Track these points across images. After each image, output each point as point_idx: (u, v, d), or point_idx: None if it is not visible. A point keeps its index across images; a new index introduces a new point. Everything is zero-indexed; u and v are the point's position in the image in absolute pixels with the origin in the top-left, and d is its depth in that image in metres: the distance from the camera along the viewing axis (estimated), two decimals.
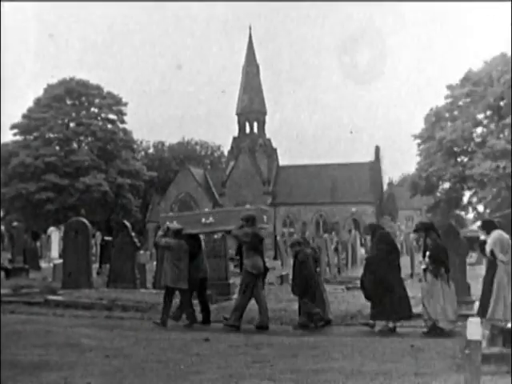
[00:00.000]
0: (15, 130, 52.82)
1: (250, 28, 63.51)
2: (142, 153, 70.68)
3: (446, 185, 46.23)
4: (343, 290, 15.58)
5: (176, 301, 11.01)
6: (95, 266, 18.26)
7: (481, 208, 44.91)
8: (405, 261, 24.92)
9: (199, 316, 11.08)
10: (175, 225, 10.99)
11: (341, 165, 58.52)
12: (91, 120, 53.10)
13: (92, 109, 54.82)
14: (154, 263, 17.23)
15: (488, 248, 9.33)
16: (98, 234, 30.89)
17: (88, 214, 43.95)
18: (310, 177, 58.42)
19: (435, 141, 44.38)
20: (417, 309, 10.33)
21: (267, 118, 63.01)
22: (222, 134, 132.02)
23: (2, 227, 30.60)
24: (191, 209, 51.06)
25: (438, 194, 47.10)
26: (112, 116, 55.00)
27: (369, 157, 59.69)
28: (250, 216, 10.62)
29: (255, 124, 62.26)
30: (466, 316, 8.31)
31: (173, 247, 10.71)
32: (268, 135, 62.78)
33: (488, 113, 43.69)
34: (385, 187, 64.75)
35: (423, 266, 10.17)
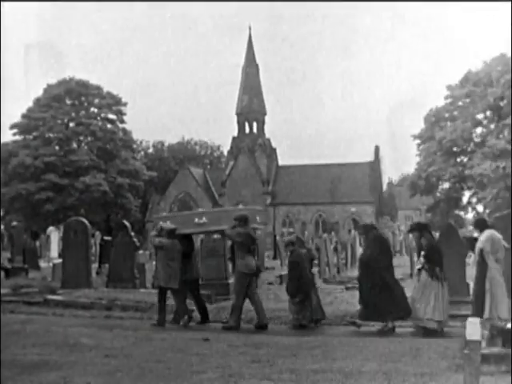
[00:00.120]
0: (15, 130, 52.86)
1: (250, 28, 63.63)
2: (142, 153, 70.72)
3: (446, 185, 46.27)
4: (342, 290, 15.59)
5: (173, 303, 11.04)
6: (95, 265, 18.25)
7: (480, 208, 44.95)
8: (404, 261, 25.01)
9: (196, 316, 11.09)
10: (169, 225, 11.02)
11: (340, 165, 58.56)
12: (91, 120, 53.12)
13: (92, 109, 54.85)
14: (154, 263, 17.23)
15: (478, 246, 9.42)
16: (98, 233, 30.89)
17: (87, 214, 43.98)
18: (310, 177, 58.44)
19: (435, 141, 44.41)
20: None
21: (267, 118, 63.11)
22: (221, 133, 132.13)
23: (2, 227, 30.62)
24: (191, 209, 51.04)
25: (438, 194, 47.14)
26: (112, 116, 55.04)
27: (368, 157, 59.79)
28: (242, 216, 10.63)
29: (255, 124, 62.30)
30: (465, 316, 8.35)
31: (166, 247, 10.74)
32: (267, 135, 62.88)
33: (488, 113, 43.72)
34: (384, 187, 64.83)
35: (418, 266, 10.21)
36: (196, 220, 11.25)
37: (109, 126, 54.60)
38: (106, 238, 22.45)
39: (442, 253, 10.33)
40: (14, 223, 27.19)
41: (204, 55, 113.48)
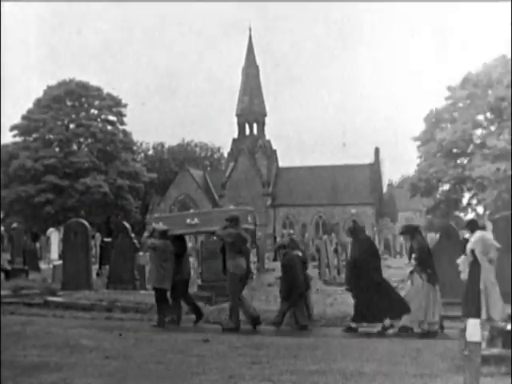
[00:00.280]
0: (15, 132, 52.88)
1: (250, 29, 63.67)
2: (142, 154, 70.77)
3: (446, 186, 46.27)
4: (343, 292, 15.57)
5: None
6: (95, 267, 18.24)
7: (480, 210, 44.95)
8: (404, 262, 25.01)
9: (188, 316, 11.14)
10: (161, 226, 11.08)
11: (340, 166, 58.58)
12: (91, 121, 53.15)
13: (92, 110, 54.87)
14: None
15: (469, 247, 9.47)
16: (98, 235, 30.88)
17: (88, 216, 44.03)
18: (310, 178, 58.45)
19: (435, 142, 44.43)
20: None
21: (267, 119, 63.14)
22: (221, 135, 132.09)
23: (2, 228, 30.60)
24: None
25: (438, 196, 47.13)
26: (112, 117, 55.07)
27: (369, 158, 59.81)
28: (233, 217, 10.66)
29: (255, 125, 62.33)
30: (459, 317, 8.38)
31: (158, 248, 10.80)
32: (268, 136, 62.90)
33: (488, 114, 43.75)
34: (384, 189, 64.82)
35: (409, 269, 10.25)
36: (188, 221, 11.31)
37: (109, 127, 54.63)
38: (106, 239, 22.43)
39: (432, 255, 10.42)
40: (14, 225, 27.16)
41: (204, 56, 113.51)
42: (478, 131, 44.54)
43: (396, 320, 10.08)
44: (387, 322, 10.04)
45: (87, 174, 51.00)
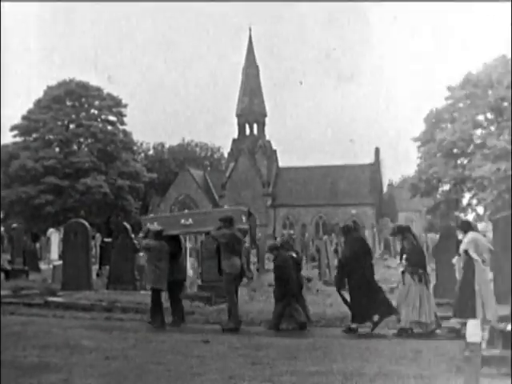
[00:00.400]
0: (15, 132, 52.88)
1: (250, 29, 63.70)
2: (142, 154, 70.75)
3: (446, 186, 46.28)
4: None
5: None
6: (95, 267, 18.24)
7: (480, 210, 44.96)
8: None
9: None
10: (155, 226, 11.11)
11: (341, 166, 58.59)
12: (91, 121, 53.13)
13: (92, 110, 54.84)
14: None
15: (462, 248, 9.50)
16: (98, 235, 30.86)
17: (88, 216, 44.01)
18: (310, 178, 58.47)
19: (435, 142, 44.44)
20: None
21: (267, 119, 63.15)
22: (221, 135, 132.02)
23: (2, 229, 30.60)
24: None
25: (438, 196, 47.14)
26: (112, 117, 55.04)
27: (369, 158, 59.81)
28: (227, 217, 10.67)
29: (255, 125, 62.34)
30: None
31: (153, 248, 10.84)
32: (268, 137, 62.91)
33: (488, 114, 43.76)
34: (384, 189, 64.80)
35: (401, 269, 10.26)
36: (182, 221, 11.33)
37: (109, 127, 54.61)
38: (106, 239, 22.44)
39: (425, 255, 10.45)
40: (14, 225, 27.17)
41: (204, 56, 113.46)
42: (478, 131, 44.55)
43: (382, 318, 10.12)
44: (375, 317, 10.07)
45: (87, 174, 50.99)
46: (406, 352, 8.23)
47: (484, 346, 7.08)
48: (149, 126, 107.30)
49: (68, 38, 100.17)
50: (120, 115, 54.98)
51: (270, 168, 60.92)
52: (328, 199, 57.25)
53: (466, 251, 9.44)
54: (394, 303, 10.25)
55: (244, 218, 11.40)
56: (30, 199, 49.26)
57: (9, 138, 52.81)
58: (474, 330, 5.95)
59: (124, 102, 54.91)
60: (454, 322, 9.82)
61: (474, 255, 9.34)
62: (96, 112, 54.75)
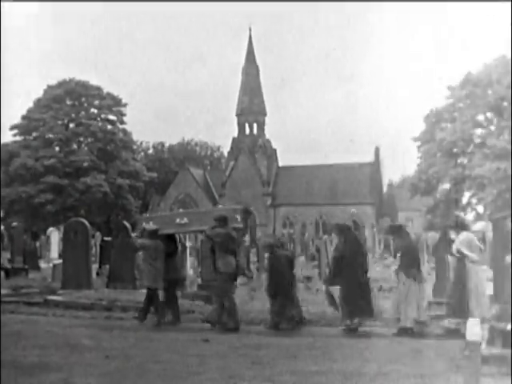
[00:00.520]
0: (15, 131, 52.88)
1: (250, 29, 63.67)
2: (142, 153, 70.76)
3: (446, 186, 46.27)
4: None
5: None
6: (95, 266, 18.24)
7: (480, 209, 44.95)
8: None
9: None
10: (151, 226, 11.16)
11: (341, 165, 58.57)
12: (91, 121, 53.16)
13: (92, 109, 54.88)
14: None
15: (455, 247, 9.53)
16: (98, 234, 30.85)
17: (88, 215, 43.99)
18: (310, 178, 58.46)
19: (435, 142, 44.46)
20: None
21: (267, 118, 63.13)
22: (221, 134, 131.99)
23: (2, 228, 30.59)
24: None
25: (438, 195, 47.13)
26: (112, 117, 55.07)
27: (369, 158, 59.79)
28: (222, 216, 10.71)
29: (255, 125, 62.34)
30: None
31: (149, 248, 10.88)
32: (268, 136, 62.89)
33: (488, 114, 43.76)
34: (384, 188, 64.79)
35: (395, 268, 10.29)
36: (177, 220, 11.37)
37: (109, 126, 54.63)
38: (106, 238, 22.44)
39: (419, 253, 10.48)
40: (14, 224, 27.16)
41: (204, 56, 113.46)
42: (478, 131, 44.56)
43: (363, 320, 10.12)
44: (355, 321, 10.07)
45: (87, 173, 51.02)
46: (405, 351, 8.24)
47: (484, 345, 7.08)
48: (149, 126, 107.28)
49: (68, 38, 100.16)
50: (120, 114, 55.01)
51: (270, 167, 60.92)
52: (328, 198, 57.25)
53: (458, 251, 9.49)
54: (391, 303, 10.27)
55: (239, 218, 11.43)
56: (30, 198, 49.28)
57: (9, 137, 52.91)
58: (473, 330, 5.95)
59: (124, 101, 55.00)
60: (449, 322, 9.86)
61: (467, 254, 9.38)
62: (96, 111, 54.78)
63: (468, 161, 43.82)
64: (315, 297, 13.63)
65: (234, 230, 10.79)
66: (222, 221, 10.57)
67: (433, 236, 27.15)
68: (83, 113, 53.99)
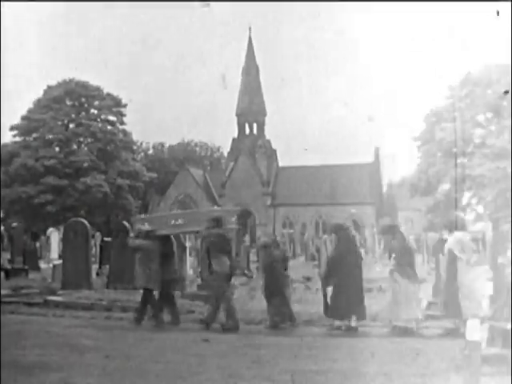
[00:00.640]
0: (15, 132, 52.86)
1: (250, 29, 63.61)
2: (142, 154, 70.70)
3: (446, 186, 46.24)
4: None
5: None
6: (95, 266, 18.24)
7: (480, 209, 44.92)
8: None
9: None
10: (146, 226, 11.20)
11: (340, 166, 58.53)
12: (91, 121, 53.13)
13: (92, 110, 54.84)
14: None
15: (447, 247, 9.55)
16: (98, 234, 30.84)
17: (87, 215, 43.98)
18: (310, 178, 58.43)
19: (435, 142, 44.45)
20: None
21: (267, 119, 63.11)
22: (221, 135, 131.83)
23: (2, 228, 30.59)
24: None
25: (438, 196, 47.11)
26: (111, 117, 55.03)
27: (368, 158, 59.78)
28: (216, 217, 10.77)
29: (255, 125, 62.32)
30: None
31: (144, 248, 10.90)
32: (268, 136, 62.87)
33: (488, 114, 43.73)
34: (384, 188, 64.77)
35: (390, 268, 10.29)
36: (172, 221, 11.44)
37: (109, 127, 54.60)
38: (106, 239, 22.44)
39: (413, 253, 10.50)
40: (14, 224, 27.16)
41: (204, 56, 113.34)
42: (478, 130, 44.53)
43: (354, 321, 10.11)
44: (337, 322, 10.06)
45: (87, 173, 51.00)
46: (406, 351, 8.24)
47: (484, 344, 7.08)
48: (149, 126, 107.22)
49: (68, 38, 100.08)
50: (120, 115, 54.99)
51: (270, 167, 60.89)
52: (328, 199, 57.22)
53: (450, 251, 9.53)
54: (386, 302, 10.27)
55: (234, 219, 11.50)
56: (30, 198, 49.25)
57: (9, 137, 52.88)
58: (473, 329, 5.95)
59: (124, 101, 55.00)
60: (444, 322, 9.88)
61: (458, 254, 9.41)
62: (96, 112, 54.74)
63: (468, 160, 43.80)
64: (315, 297, 13.60)
65: (228, 230, 10.85)
66: (217, 222, 10.62)
67: (433, 236, 27.15)
68: (83, 113, 53.96)
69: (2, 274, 17.83)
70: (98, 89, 54.22)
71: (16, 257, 21.65)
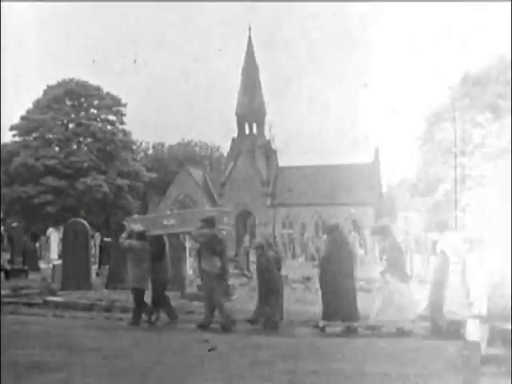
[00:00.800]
0: (14, 132, 52.85)
1: (250, 29, 63.60)
2: (142, 154, 70.71)
3: (446, 186, 46.26)
4: None
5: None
6: (94, 267, 18.25)
7: (480, 209, 44.89)
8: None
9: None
10: (138, 227, 11.25)
11: (340, 166, 58.52)
12: (91, 121, 53.14)
13: (91, 110, 54.85)
14: None
15: (438, 247, 9.57)
16: (98, 234, 30.83)
17: (87, 215, 44.00)
18: (310, 178, 58.43)
19: (435, 142, 44.48)
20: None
21: (267, 119, 63.08)
22: (221, 135, 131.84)
23: (2, 228, 30.59)
24: None
25: (438, 195, 47.12)
26: (111, 117, 55.05)
27: (368, 158, 59.81)
28: (208, 217, 10.77)
29: (254, 125, 62.32)
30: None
31: (135, 249, 10.93)
32: (267, 136, 62.82)
33: (487, 113, 43.74)
34: (384, 188, 64.82)
35: (381, 269, 10.30)
36: (164, 222, 11.50)
37: (109, 127, 54.62)
38: (105, 239, 22.45)
39: (404, 254, 10.52)
40: (14, 224, 27.16)
41: (204, 56, 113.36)
42: (478, 130, 44.52)
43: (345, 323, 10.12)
44: (322, 322, 10.06)
45: (87, 173, 51.01)
46: (405, 351, 8.24)
47: (484, 344, 7.09)
48: (148, 126, 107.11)
49: (68, 38, 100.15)
50: (119, 114, 55.01)
51: (270, 167, 60.89)
52: (328, 199, 57.20)
53: (441, 251, 9.55)
54: (376, 303, 10.27)
55: (226, 219, 11.53)
56: (30, 199, 49.26)
57: (9, 137, 52.89)
58: (473, 330, 5.96)
59: (123, 101, 55.00)
60: (427, 322, 9.89)
61: (450, 255, 9.44)
62: (95, 111, 54.76)
63: (468, 160, 43.81)
64: (315, 297, 13.61)
65: (220, 231, 10.88)
66: (209, 222, 10.63)
67: (432, 236, 27.15)
68: (83, 113, 53.98)
69: (2, 274, 17.84)
70: (97, 88, 54.25)
71: (16, 257, 21.66)
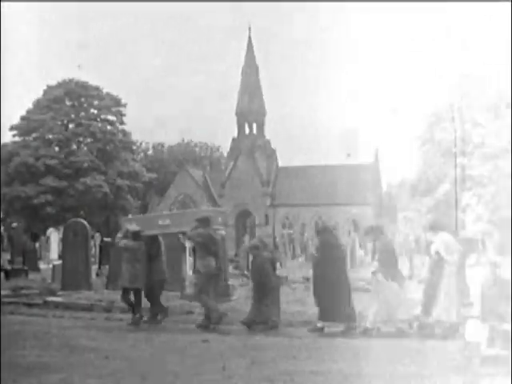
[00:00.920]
0: (14, 132, 52.86)
1: (250, 29, 63.60)
2: (142, 154, 70.73)
3: (446, 186, 46.26)
4: None
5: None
6: (94, 267, 18.25)
7: (480, 209, 44.91)
8: (403, 261, 24.99)
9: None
10: (134, 227, 11.25)
11: (340, 166, 58.51)
12: (90, 121, 53.16)
13: (91, 110, 54.86)
14: None
15: (433, 248, 9.57)
16: (98, 235, 30.85)
17: (87, 215, 44.01)
18: (310, 178, 58.43)
19: (435, 142, 44.50)
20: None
21: (266, 118, 63.07)
22: (221, 135, 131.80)
23: (2, 228, 30.61)
24: None
25: (438, 196, 47.12)
26: (111, 117, 55.05)
27: (368, 158, 59.82)
28: (204, 217, 10.79)
29: (254, 125, 62.31)
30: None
31: (131, 249, 10.94)
32: (267, 136, 62.84)
33: (487, 113, 43.74)
34: (384, 188, 64.80)
35: (372, 269, 10.29)
36: (160, 222, 11.53)
37: (108, 127, 54.63)
38: (105, 239, 22.46)
39: (396, 254, 10.51)
40: (14, 224, 27.17)
41: (204, 56, 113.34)
42: (478, 130, 44.52)
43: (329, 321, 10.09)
44: (319, 323, 10.06)
45: (87, 173, 51.02)
46: (405, 352, 8.24)
47: (484, 345, 7.09)
48: (148, 126, 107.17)
49: (68, 38, 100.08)
50: (119, 115, 55.02)
51: (270, 167, 60.89)
52: (327, 199, 57.19)
53: (436, 252, 9.54)
54: (368, 303, 10.26)
55: (221, 219, 11.54)
56: (30, 199, 49.28)
57: (9, 137, 52.90)
58: (473, 330, 5.96)
59: (123, 101, 54.99)
60: (420, 321, 9.88)
61: (445, 256, 9.43)
62: (95, 112, 54.78)
63: (468, 160, 43.82)
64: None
65: (215, 231, 10.89)
66: (204, 222, 10.63)
67: (428, 236, 27.11)
68: (83, 113, 53.99)
69: (2, 274, 17.84)
70: (97, 88, 54.27)
71: (16, 257, 21.67)
